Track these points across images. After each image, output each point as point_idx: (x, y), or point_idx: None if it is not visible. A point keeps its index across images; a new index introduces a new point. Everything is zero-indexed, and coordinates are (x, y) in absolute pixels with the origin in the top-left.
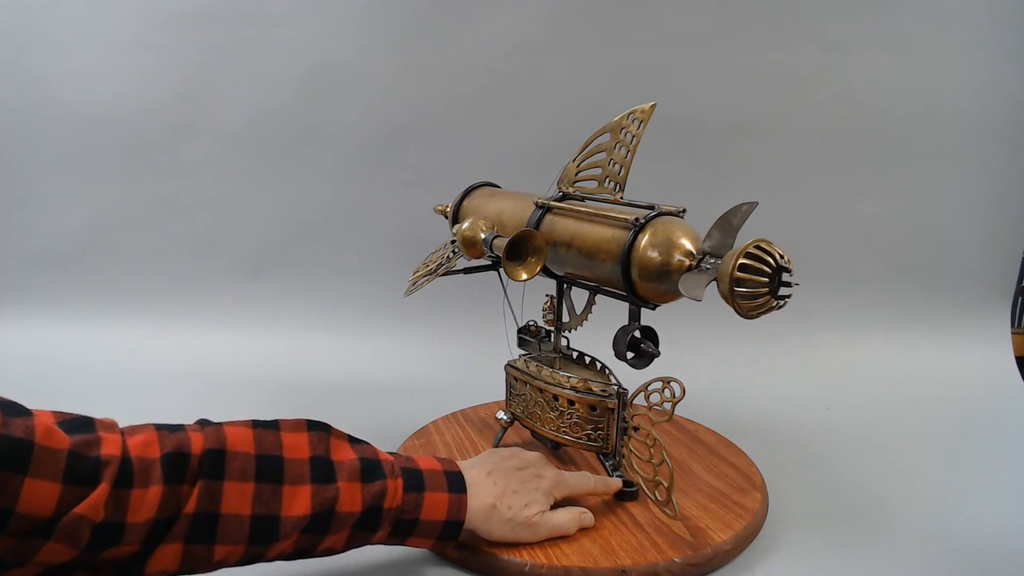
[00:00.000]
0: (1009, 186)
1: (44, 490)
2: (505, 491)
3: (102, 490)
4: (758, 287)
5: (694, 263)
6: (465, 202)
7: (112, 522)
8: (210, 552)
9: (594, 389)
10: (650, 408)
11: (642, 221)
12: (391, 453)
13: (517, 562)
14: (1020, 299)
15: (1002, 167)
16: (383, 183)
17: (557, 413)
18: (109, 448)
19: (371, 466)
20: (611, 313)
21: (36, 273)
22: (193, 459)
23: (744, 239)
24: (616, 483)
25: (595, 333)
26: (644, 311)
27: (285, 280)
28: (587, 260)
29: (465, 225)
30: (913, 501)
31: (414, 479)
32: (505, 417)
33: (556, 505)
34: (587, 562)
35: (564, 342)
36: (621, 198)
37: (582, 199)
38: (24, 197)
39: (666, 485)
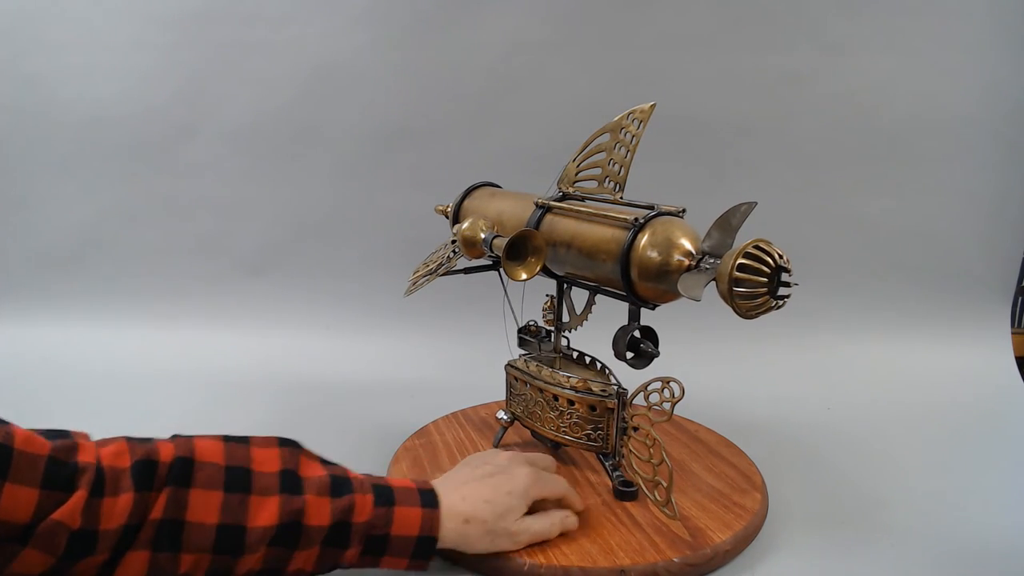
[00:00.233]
0: (1009, 186)
1: (23, 495)
2: (477, 502)
3: (79, 496)
4: (757, 287)
5: (693, 263)
6: (466, 202)
7: (87, 530)
8: (176, 561)
9: (594, 389)
10: (649, 408)
11: (642, 221)
12: (367, 474)
13: (516, 561)
14: (1020, 299)
15: (1003, 167)
16: (383, 183)
17: (557, 413)
18: (86, 455)
19: (340, 482)
20: (611, 313)
21: (36, 273)
22: (162, 466)
23: (743, 239)
24: (580, 504)
25: (595, 333)
26: (644, 311)
27: (285, 280)
28: (587, 260)
29: (465, 225)
30: (913, 501)
31: (384, 494)
32: (505, 417)
33: (535, 508)
34: (586, 562)
35: (564, 342)
36: (621, 198)
37: (582, 199)
38: (24, 197)
39: (665, 485)
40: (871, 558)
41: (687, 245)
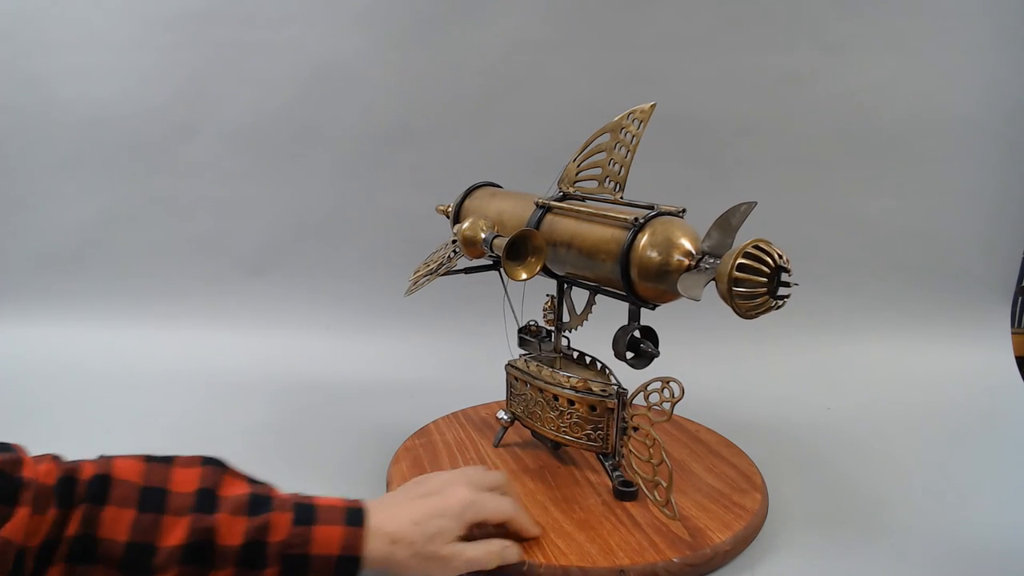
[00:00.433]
0: (1009, 186)
1: None
2: (405, 523)
3: (24, 513)
4: (756, 287)
5: (693, 263)
6: (466, 202)
7: (27, 547)
8: None
9: (594, 389)
10: (649, 408)
11: (641, 221)
12: (295, 493)
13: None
14: (1020, 299)
15: (1003, 167)
16: (383, 183)
17: (557, 413)
18: (28, 471)
19: (260, 501)
20: (611, 313)
21: (36, 273)
22: (81, 484)
23: (743, 239)
24: (534, 530)
25: (595, 333)
26: (644, 311)
27: (285, 280)
28: (587, 260)
29: (465, 225)
30: (913, 501)
31: (305, 513)
32: (506, 417)
33: (486, 532)
34: (585, 562)
35: (564, 342)
36: (621, 198)
37: (582, 199)
38: (24, 197)
39: (665, 485)
40: (871, 558)
41: (687, 245)
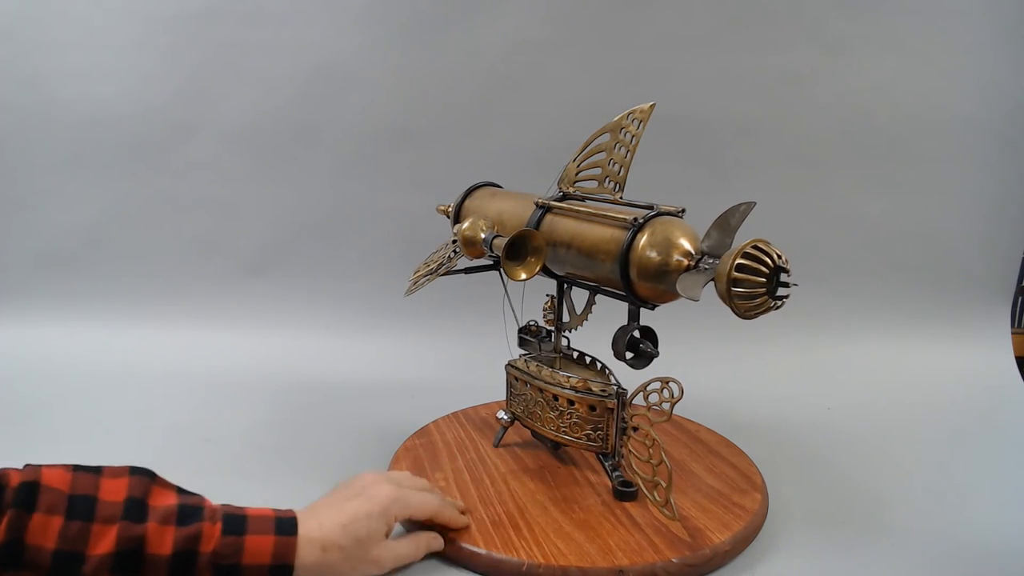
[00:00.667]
0: (1009, 187)
1: None
2: (334, 529)
3: None
4: (755, 287)
5: (693, 263)
6: (467, 202)
7: None
8: None
9: (594, 389)
10: (649, 408)
11: (641, 221)
12: (226, 505)
13: (514, 562)
14: (1020, 299)
15: (1003, 167)
16: (383, 183)
17: (557, 413)
18: None
19: (189, 511)
20: (611, 313)
21: (36, 273)
22: (8, 491)
23: (743, 239)
24: (459, 519)
25: (595, 333)
26: (643, 311)
27: (285, 280)
28: (587, 260)
29: (465, 225)
30: (913, 501)
31: (235, 523)
32: (506, 417)
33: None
34: (584, 562)
35: (564, 342)
36: (621, 198)
37: (582, 199)
38: (24, 197)
39: (664, 486)
40: (871, 558)
41: (686, 245)
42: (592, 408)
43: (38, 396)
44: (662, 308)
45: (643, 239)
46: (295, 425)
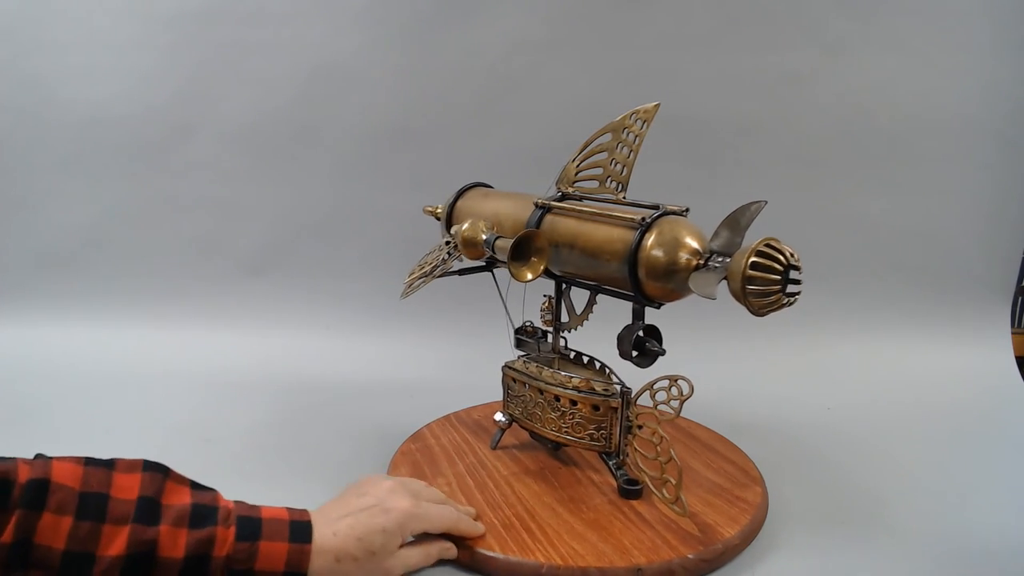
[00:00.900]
0: (1009, 186)
1: None
2: (349, 540)
3: None
4: (770, 284)
5: (701, 262)
6: (459, 203)
7: None
8: None
9: (597, 389)
10: (656, 406)
11: (648, 221)
12: (240, 502)
13: (533, 564)
14: (1020, 299)
15: (1003, 167)
16: (383, 183)
17: (559, 414)
18: None
19: (203, 512)
20: (610, 313)
21: (36, 273)
22: (16, 487)
23: (745, 239)
24: (476, 529)
25: (593, 333)
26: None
27: (285, 280)
28: (590, 260)
29: (465, 226)
30: (913, 501)
31: (249, 527)
32: (504, 419)
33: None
34: (603, 562)
35: (562, 342)
36: (624, 198)
37: (581, 199)
38: (24, 197)
39: (674, 483)
40: (871, 557)
41: (694, 244)
42: (596, 408)
43: (38, 396)
44: (661, 309)
45: (651, 239)
46: (295, 425)
